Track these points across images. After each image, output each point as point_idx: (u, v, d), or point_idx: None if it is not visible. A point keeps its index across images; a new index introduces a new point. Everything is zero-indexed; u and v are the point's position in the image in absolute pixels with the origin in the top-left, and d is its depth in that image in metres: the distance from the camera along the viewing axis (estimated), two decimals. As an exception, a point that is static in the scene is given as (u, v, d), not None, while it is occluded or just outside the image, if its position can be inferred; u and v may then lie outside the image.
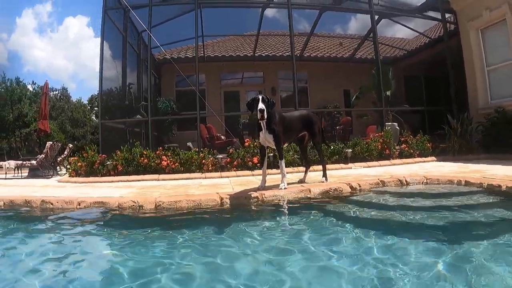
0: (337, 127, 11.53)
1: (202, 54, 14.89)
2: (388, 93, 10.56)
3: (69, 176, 8.76)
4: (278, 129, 5.18)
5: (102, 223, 4.18)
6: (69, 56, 73.30)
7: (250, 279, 2.32)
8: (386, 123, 9.88)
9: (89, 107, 34.28)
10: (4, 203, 5.12)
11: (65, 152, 11.20)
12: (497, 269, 2.28)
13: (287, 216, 4.21)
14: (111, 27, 10.25)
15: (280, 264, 2.56)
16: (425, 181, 5.68)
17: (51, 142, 10.18)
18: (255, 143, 8.66)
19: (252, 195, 4.70)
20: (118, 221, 4.24)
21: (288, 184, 5.26)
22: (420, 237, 3.01)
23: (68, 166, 10.89)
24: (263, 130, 5.17)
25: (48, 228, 3.94)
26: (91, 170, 8.40)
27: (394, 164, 8.69)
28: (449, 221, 3.56)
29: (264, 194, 4.73)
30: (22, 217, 4.59)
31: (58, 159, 10.77)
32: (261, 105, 4.93)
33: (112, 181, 7.71)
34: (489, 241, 2.82)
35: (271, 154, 8.25)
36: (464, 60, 10.51)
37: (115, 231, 3.74)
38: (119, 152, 8.43)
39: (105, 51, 9.99)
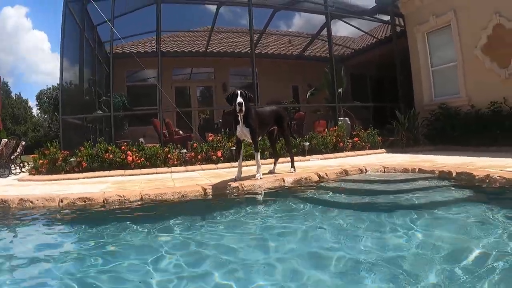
0: (292, 122, 12.00)
1: (155, 49, 14.82)
2: (340, 90, 11.20)
3: (30, 174, 8.52)
4: (254, 124, 5.50)
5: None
6: (6, 49, 68.70)
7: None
8: (339, 118, 10.52)
9: (36, 103, 32.58)
10: None
11: (18, 150, 10.75)
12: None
13: (267, 202, 4.63)
14: (69, 20, 10.01)
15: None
16: (383, 169, 6.29)
17: (6, 140, 9.77)
18: (218, 138, 8.95)
19: (232, 185, 5.03)
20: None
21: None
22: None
23: (21, 165, 10.54)
24: (240, 124, 5.47)
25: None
26: (54, 168, 8.23)
27: (348, 156, 9.34)
28: (406, 201, 4.18)
29: (243, 184, 5.08)
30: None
31: (11, 157, 10.34)
32: (239, 99, 5.20)
33: (79, 178, 7.66)
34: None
35: (233, 148, 8.61)
36: (411, 61, 11.41)
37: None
38: (83, 148, 8.35)
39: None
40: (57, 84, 27.69)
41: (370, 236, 2.91)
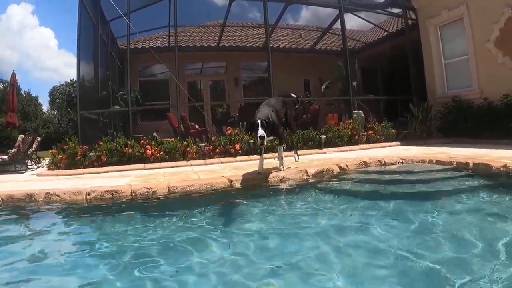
0: (307, 115, 12.08)
1: (167, 44, 14.95)
2: (354, 83, 11.25)
3: (48, 169, 8.63)
4: (278, 128, 5.28)
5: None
6: (12, 47, 68.73)
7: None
8: (354, 111, 10.59)
9: (49, 99, 32.59)
10: (2, 199, 4.95)
11: (34, 146, 10.86)
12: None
13: (294, 191, 4.81)
14: (83, 16, 10.11)
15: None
16: (401, 161, 6.37)
17: (23, 136, 9.90)
18: (236, 131, 9.05)
19: (258, 177, 5.13)
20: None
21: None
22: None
23: (37, 160, 10.66)
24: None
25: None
26: (73, 162, 8.34)
27: (363, 149, 9.41)
28: (432, 189, 4.35)
29: (268, 176, 5.18)
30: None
31: (28, 153, 10.44)
32: (261, 132, 4.71)
33: (99, 172, 7.78)
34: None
35: (252, 141, 8.71)
36: (423, 54, 11.41)
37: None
38: (101, 143, 8.47)
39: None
40: (70, 80, 28.15)
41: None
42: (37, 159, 10.78)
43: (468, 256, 2.31)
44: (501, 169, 4.71)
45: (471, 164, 5.26)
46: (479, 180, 4.58)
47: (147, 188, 4.81)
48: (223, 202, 4.38)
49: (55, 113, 31.66)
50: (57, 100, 29.11)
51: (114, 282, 2.30)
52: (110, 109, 11.03)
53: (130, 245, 2.98)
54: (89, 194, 4.90)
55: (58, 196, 4.96)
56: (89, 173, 7.74)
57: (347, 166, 5.86)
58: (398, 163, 6.31)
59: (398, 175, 5.46)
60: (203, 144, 8.79)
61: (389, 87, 13.27)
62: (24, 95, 31.79)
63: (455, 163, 5.57)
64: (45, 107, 34.62)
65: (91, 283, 2.35)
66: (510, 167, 4.62)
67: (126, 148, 8.37)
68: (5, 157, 9.53)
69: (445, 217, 3.15)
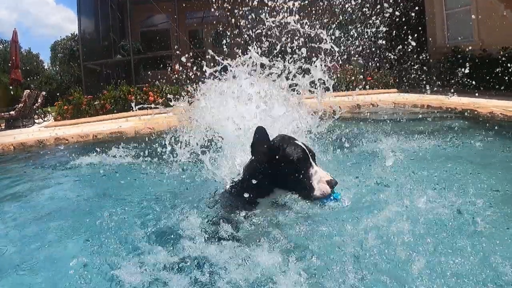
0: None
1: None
2: (353, 27, 11.17)
3: (55, 121, 8.90)
4: None
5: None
6: (10, 7, 67.26)
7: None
8: (353, 58, 10.63)
9: (51, 54, 32.24)
10: (14, 147, 5.16)
11: (39, 101, 11.00)
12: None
13: None
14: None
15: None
16: (393, 105, 6.59)
17: (29, 91, 10.02)
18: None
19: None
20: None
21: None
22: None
23: (43, 114, 10.87)
24: None
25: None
26: (78, 112, 8.62)
27: (361, 94, 9.51)
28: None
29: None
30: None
31: (34, 108, 10.60)
32: None
33: (104, 120, 8.01)
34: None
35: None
36: (425, 2, 11.19)
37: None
38: (106, 92, 8.70)
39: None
40: (71, 34, 27.93)
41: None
42: (43, 114, 10.98)
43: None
44: (487, 114, 4.93)
45: (459, 109, 5.47)
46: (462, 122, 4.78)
47: (150, 128, 5.09)
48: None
49: (57, 69, 31.54)
50: (59, 55, 28.83)
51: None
52: (112, 58, 11.14)
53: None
54: (95, 136, 5.21)
55: (66, 140, 5.27)
56: (95, 121, 7.98)
57: (340, 108, 6.07)
58: (391, 106, 6.53)
59: (387, 116, 5.66)
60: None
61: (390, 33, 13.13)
62: (25, 53, 31.47)
63: (444, 107, 5.79)
64: (46, 64, 34.49)
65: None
66: (496, 114, 4.84)
67: (130, 96, 8.60)
68: (13, 112, 9.65)
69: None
